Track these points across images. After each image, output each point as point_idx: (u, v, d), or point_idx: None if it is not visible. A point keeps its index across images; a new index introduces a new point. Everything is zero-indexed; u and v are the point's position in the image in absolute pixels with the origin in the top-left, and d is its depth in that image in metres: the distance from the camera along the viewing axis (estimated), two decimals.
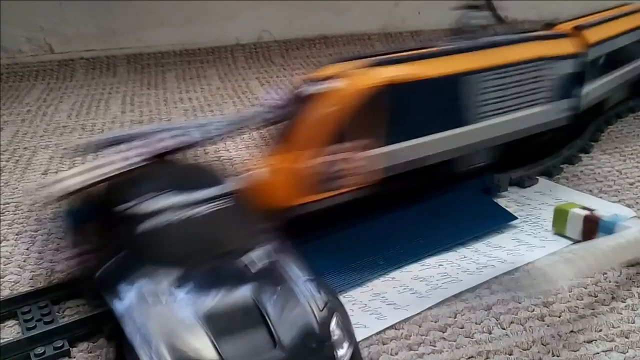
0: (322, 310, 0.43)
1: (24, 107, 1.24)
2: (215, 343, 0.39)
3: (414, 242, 0.65)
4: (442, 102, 0.68)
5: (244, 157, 0.92)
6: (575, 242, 0.66)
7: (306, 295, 0.44)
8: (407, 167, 0.66)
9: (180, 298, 0.42)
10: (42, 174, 0.90)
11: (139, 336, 0.39)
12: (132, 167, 0.56)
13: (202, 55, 1.61)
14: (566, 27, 0.87)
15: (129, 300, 0.42)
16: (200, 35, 1.63)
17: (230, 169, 0.85)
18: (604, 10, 1.01)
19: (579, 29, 0.86)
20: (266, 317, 0.41)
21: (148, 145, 0.59)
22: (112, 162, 0.57)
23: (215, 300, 0.42)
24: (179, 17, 1.61)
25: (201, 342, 0.39)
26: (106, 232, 0.49)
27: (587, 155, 0.90)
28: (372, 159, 0.62)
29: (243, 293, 0.43)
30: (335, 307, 0.44)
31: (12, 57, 1.52)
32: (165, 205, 0.48)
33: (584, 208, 0.67)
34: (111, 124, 1.12)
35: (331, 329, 0.42)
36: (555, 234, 0.68)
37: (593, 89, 0.89)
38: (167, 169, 0.58)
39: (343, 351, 0.42)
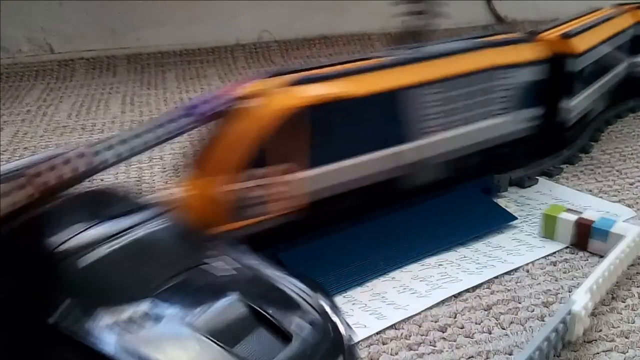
0: (314, 299, 0.43)
1: (24, 107, 1.24)
2: (230, 351, 0.38)
3: (414, 242, 0.65)
4: (376, 119, 0.64)
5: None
6: (570, 245, 0.67)
7: (294, 289, 0.44)
8: (341, 189, 0.62)
9: (165, 318, 0.39)
10: None
11: None
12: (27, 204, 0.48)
13: (202, 55, 1.61)
14: (552, 34, 0.82)
15: (108, 335, 0.38)
16: (200, 35, 1.63)
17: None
18: (582, 16, 0.96)
19: (566, 36, 0.81)
20: (268, 317, 0.41)
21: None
22: None
23: (206, 312, 0.40)
24: (179, 17, 1.61)
25: (213, 353, 0.37)
26: (35, 275, 0.44)
27: (587, 155, 0.90)
28: (297, 183, 0.58)
29: (232, 299, 0.41)
30: (323, 294, 0.44)
31: (12, 57, 1.52)
32: (97, 237, 0.44)
33: (570, 210, 0.67)
34: (111, 124, 1.12)
35: (329, 315, 0.43)
36: (543, 238, 0.68)
37: (581, 101, 0.85)
38: (77, 199, 0.52)
39: (344, 333, 0.42)
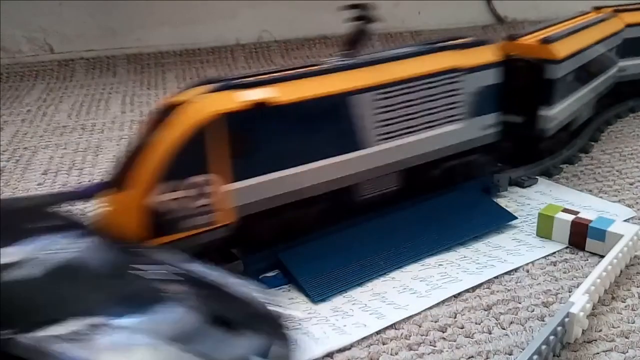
0: (258, 293, 0.44)
1: (24, 107, 1.24)
2: (186, 349, 0.38)
3: (414, 242, 0.65)
4: (311, 128, 0.59)
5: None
6: (567, 246, 0.67)
7: (241, 289, 0.45)
8: (278, 202, 0.59)
9: (114, 328, 0.38)
10: (42, 174, 0.90)
11: None
12: None
13: (202, 55, 1.61)
14: (532, 39, 0.79)
15: (69, 349, 0.36)
16: (200, 35, 1.63)
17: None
18: (570, 19, 0.93)
19: (546, 41, 0.77)
20: (225, 316, 0.41)
21: None
22: None
23: (161, 318, 0.40)
24: (179, 17, 1.61)
25: (169, 352, 0.37)
26: None
27: (587, 155, 0.90)
28: (221, 195, 0.55)
29: (186, 305, 0.41)
30: (261, 287, 0.46)
31: (12, 57, 1.52)
32: (24, 254, 0.42)
33: (567, 210, 0.67)
34: (111, 124, 1.12)
35: (273, 307, 0.44)
36: (540, 238, 0.68)
37: (563, 109, 0.81)
38: (4, 215, 0.49)
39: (284, 322, 0.43)
